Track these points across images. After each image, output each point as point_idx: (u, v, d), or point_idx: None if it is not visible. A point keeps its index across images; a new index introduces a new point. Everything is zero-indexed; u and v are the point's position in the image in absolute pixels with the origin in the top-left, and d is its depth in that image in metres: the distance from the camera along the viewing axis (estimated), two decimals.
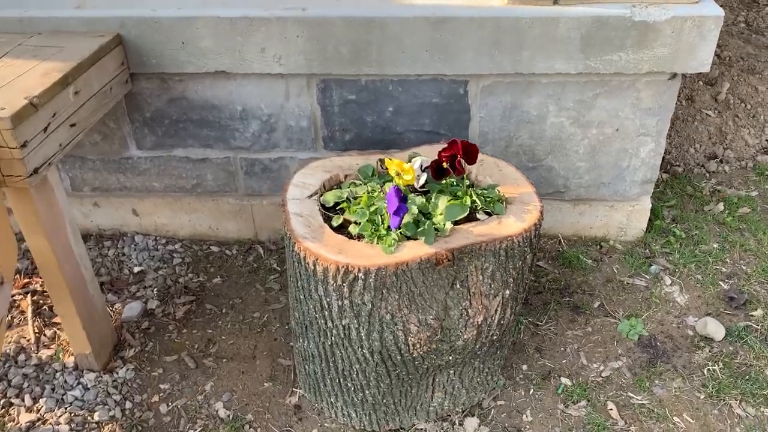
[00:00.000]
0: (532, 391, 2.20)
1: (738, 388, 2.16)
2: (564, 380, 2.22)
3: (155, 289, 2.59)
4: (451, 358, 1.91)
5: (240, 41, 2.20)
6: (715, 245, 2.67)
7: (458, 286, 1.77)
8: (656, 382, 2.21)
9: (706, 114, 3.16)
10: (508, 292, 1.84)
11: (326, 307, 1.76)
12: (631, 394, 2.17)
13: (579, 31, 2.13)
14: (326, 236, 1.76)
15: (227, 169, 2.58)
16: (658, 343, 2.33)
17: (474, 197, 1.82)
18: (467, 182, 1.90)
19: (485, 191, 1.84)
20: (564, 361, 2.28)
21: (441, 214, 1.79)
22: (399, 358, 1.84)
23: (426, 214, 1.82)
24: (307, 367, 2.04)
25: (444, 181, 1.87)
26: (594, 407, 2.13)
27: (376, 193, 1.88)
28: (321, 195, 1.95)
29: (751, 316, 2.40)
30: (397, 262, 1.66)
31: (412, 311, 1.75)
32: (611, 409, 2.13)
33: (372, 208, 1.81)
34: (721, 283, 2.53)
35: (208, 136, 2.49)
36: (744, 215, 2.81)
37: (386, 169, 1.99)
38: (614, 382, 2.21)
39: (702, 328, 2.33)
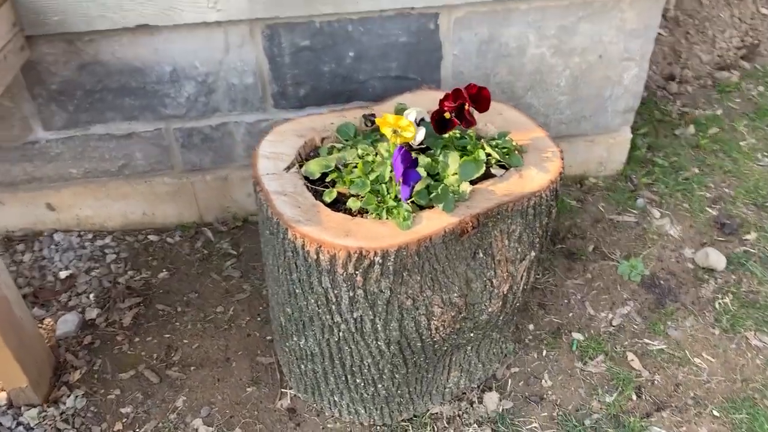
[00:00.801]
0: (545, 352, 2.01)
1: (750, 318, 2.07)
2: (576, 335, 2.04)
3: (91, 295, 2.18)
4: (473, 334, 1.68)
5: None
6: (696, 170, 2.56)
7: (481, 254, 1.51)
8: (669, 323, 2.07)
9: (659, 33, 3.01)
10: (533, 253, 1.61)
11: (333, 300, 1.46)
12: (647, 341, 2.03)
13: None
14: (324, 216, 1.44)
15: (159, 143, 2.17)
16: (661, 282, 2.19)
17: (488, 150, 1.55)
18: (472, 133, 1.62)
19: (498, 141, 1.57)
20: (570, 314, 2.11)
21: (454, 174, 1.51)
22: (419, 345, 1.58)
23: (434, 175, 1.54)
24: (303, 366, 1.74)
25: (446, 136, 1.59)
26: (614, 360, 1.97)
27: (371, 157, 1.57)
28: (301, 165, 1.61)
29: (746, 240, 2.31)
30: (418, 238, 1.38)
31: (435, 292, 1.49)
32: (632, 360, 1.98)
33: (372, 176, 1.50)
34: (708, 209, 2.42)
35: (132, 106, 2.07)
36: (715, 135, 2.71)
37: (371, 125, 1.68)
38: (627, 329, 2.06)
39: (703, 259, 2.21)
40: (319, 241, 1.38)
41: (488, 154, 1.55)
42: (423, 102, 1.80)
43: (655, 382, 1.93)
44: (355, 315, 1.48)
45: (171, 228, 2.41)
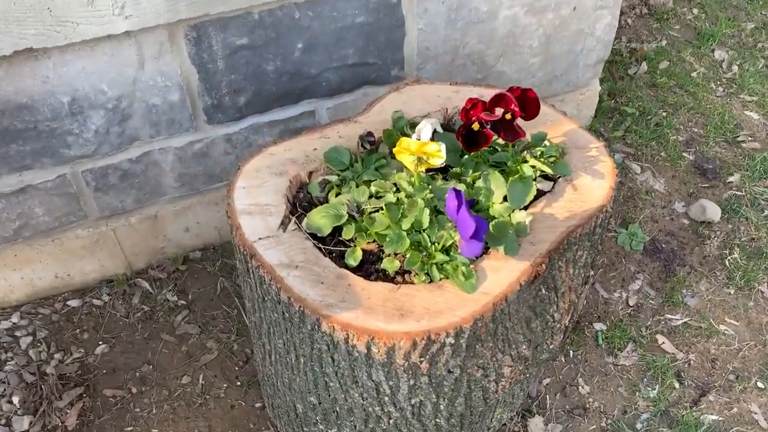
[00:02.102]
0: (572, 353, 1.80)
1: (759, 269, 1.97)
2: (597, 326, 1.85)
3: (15, 398, 1.70)
4: (528, 373, 1.42)
5: None
6: (662, 112, 2.40)
7: (544, 291, 1.24)
8: (684, 291, 1.93)
9: None
10: (592, 272, 1.36)
11: (387, 391, 1.14)
12: (669, 315, 1.88)
13: None
14: (360, 291, 1.09)
15: (65, 192, 1.67)
16: (663, 246, 2.04)
17: (532, 162, 1.24)
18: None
19: (542, 149, 1.27)
20: (585, 302, 1.91)
21: (501, 202, 1.20)
22: (481, 409, 1.30)
23: (472, 203, 1.22)
24: None
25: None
26: (643, 347, 1.81)
27: (391, 195, 1.22)
28: (297, 215, 1.23)
29: (730, 183, 2.20)
30: (493, 301, 1.07)
31: (506, 351, 1.20)
32: (663, 343, 1.82)
33: (405, 223, 1.16)
34: (685, 154, 2.28)
35: (21, 153, 1.55)
36: (667, 70, 2.56)
37: (370, 147, 1.32)
38: (645, 307, 1.90)
39: (699, 214, 2.08)
40: (370, 332, 1.04)
41: (534, 168, 1.25)
42: (416, 103, 1.46)
43: (691, 362, 1.79)
44: (413, 401, 1.17)
45: (94, 286, 1.93)
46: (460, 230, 1.03)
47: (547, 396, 1.72)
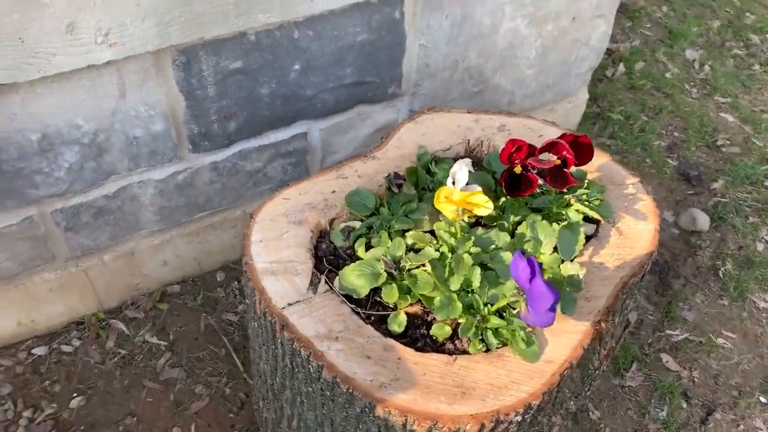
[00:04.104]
0: None
1: (750, 279, 1.99)
2: None
3: None
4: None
5: (19, 21, 1.09)
6: (644, 117, 2.37)
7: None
8: (681, 305, 1.92)
9: None
10: (633, 314, 1.30)
11: None
12: (669, 331, 1.87)
13: None
14: (415, 368, 0.99)
15: (32, 234, 1.47)
16: (656, 257, 2.02)
17: (576, 206, 1.16)
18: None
19: (586, 191, 1.19)
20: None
21: (551, 253, 1.12)
22: None
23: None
24: None
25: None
26: (648, 366, 1.79)
27: (431, 248, 1.11)
28: (328, 274, 1.11)
29: (714, 189, 2.20)
30: (559, 372, 0.99)
31: (557, 413, 1.13)
32: (667, 362, 1.80)
33: (452, 283, 1.05)
34: (669, 160, 2.27)
35: None
36: (643, 71, 2.54)
37: (397, 190, 1.21)
38: (646, 323, 1.87)
39: (690, 224, 2.07)
40: (432, 416, 0.93)
41: (579, 213, 1.16)
42: (436, 134, 1.34)
43: (695, 379, 1.78)
44: None
45: (62, 331, 1.74)
46: (533, 302, 0.93)
47: None
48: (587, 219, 1.21)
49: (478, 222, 1.21)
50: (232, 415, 1.63)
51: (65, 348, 1.71)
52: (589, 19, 1.84)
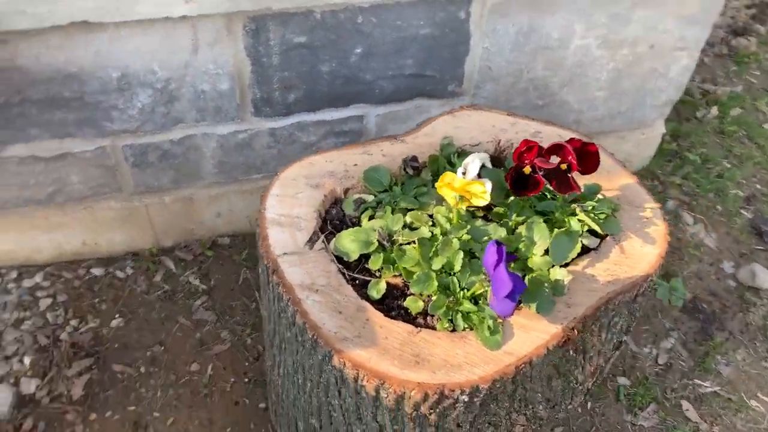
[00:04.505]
0: (589, 405, 1.73)
1: None
2: (621, 380, 1.77)
3: (26, 358, 1.71)
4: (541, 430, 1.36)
5: None
6: (726, 163, 2.28)
7: (571, 352, 1.17)
8: (719, 358, 1.83)
9: None
10: (626, 337, 1.28)
11: None
12: (699, 381, 1.79)
13: None
14: (379, 329, 1.05)
15: (103, 163, 1.66)
16: (704, 305, 1.94)
17: (581, 216, 1.17)
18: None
19: (594, 204, 1.20)
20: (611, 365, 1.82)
21: (542, 255, 1.14)
22: None
23: (509, 253, 1.16)
24: None
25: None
26: (666, 410, 1.73)
27: (426, 229, 1.16)
28: (325, 232, 1.19)
29: None
30: (515, 364, 1.01)
31: (521, 411, 1.14)
32: (687, 410, 1.73)
33: (435, 262, 1.10)
34: (743, 211, 2.16)
35: (65, 121, 1.54)
36: (738, 118, 2.43)
37: (413, 172, 1.27)
38: (675, 368, 1.81)
39: (749, 279, 1.97)
40: (380, 376, 0.99)
41: (582, 223, 1.17)
42: (469, 130, 1.39)
43: None
44: None
45: (120, 258, 1.93)
46: (494, 287, 0.97)
47: None
48: (594, 233, 1.21)
49: (485, 217, 1.24)
50: (247, 363, 1.74)
51: (119, 273, 1.90)
52: (670, 50, 1.81)
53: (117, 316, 1.81)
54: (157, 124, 1.61)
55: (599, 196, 1.22)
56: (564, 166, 1.10)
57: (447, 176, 1.12)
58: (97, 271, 1.90)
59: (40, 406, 1.63)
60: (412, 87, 1.69)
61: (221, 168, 1.76)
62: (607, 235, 1.20)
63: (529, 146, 1.13)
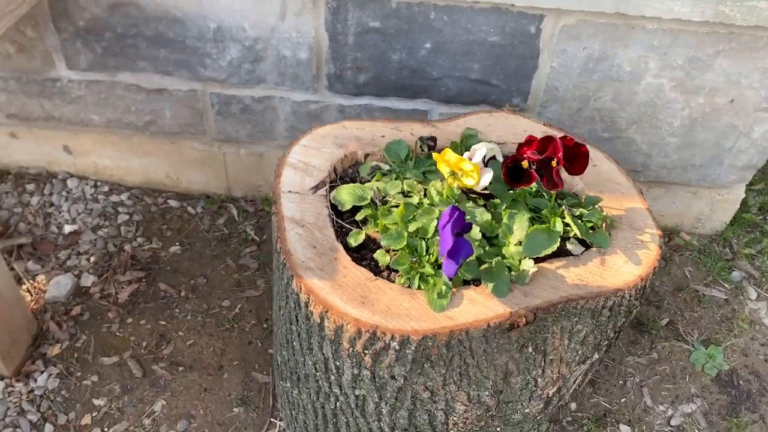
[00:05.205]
0: None
1: None
2: (623, 428, 1.71)
3: (92, 258, 1.96)
4: (499, 429, 1.37)
5: None
6: None
7: (530, 349, 1.19)
8: None
9: None
10: (597, 356, 1.27)
11: (333, 370, 1.17)
12: None
13: None
14: (341, 268, 1.14)
15: (193, 105, 1.89)
16: (741, 382, 1.82)
17: (568, 220, 1.20)
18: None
19: (584, 211, 1.22)
20: (623, 399, 1.77)
21: (517, 244, 1.17)
22: None
23: (491, 238, 1.21)
24: (293, 411, 1.48)
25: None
26: None
27: (416, 197, 1.24)
28: (333, 186, 1.30)
29: None
30: (451, 328, 1.06)
31: (462, 387, 1.18)
32: None
33: (412, 226, 1.18)
34: None
35: (167, 59, 1.78)
36: None
37: (428, 150, 1.35)
38: None
39: None
40: (326, 305, 1.08)
41: (566, 226, 1.20)
42: (499, 129, 1.45)
43: None
44: (357, 392, 1.19)
45: (195, 196, 2.16)
46: (440, 244, 1.03)
47: None
48: (583, 243, 1.23)
49: (485, 206, 1.29)
50: (270, 312, 1.88)
51: (190, 209, 2.13)
52: (753, 109, 1.75)
53: (177, 244, 2.03)
54: (242, 79, 1.81)
55: (596, 207, 1.23)
56: (554, 163, 1.14)
57: (447, 152, 1.20)
58: (173, 203, 2.14)
59: (90, 299, 1.87)
60: (477, 92, 1.77)
61: (292, 132, 1.93)
62: (593, 246, 1.22)
63: (530, 140, 1.18)
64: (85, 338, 1.79)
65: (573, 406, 1.75)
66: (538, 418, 1.37)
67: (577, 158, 1.15)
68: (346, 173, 1.37)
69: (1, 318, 1.61)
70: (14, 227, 2.01)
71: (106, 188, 2.14)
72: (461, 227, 1.06)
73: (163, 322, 1.84)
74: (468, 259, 1.13)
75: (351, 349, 1.10)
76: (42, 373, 1.71)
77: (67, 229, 2.01)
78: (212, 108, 1.89)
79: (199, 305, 1.89)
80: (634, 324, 1.92)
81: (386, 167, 1.36)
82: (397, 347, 1.07)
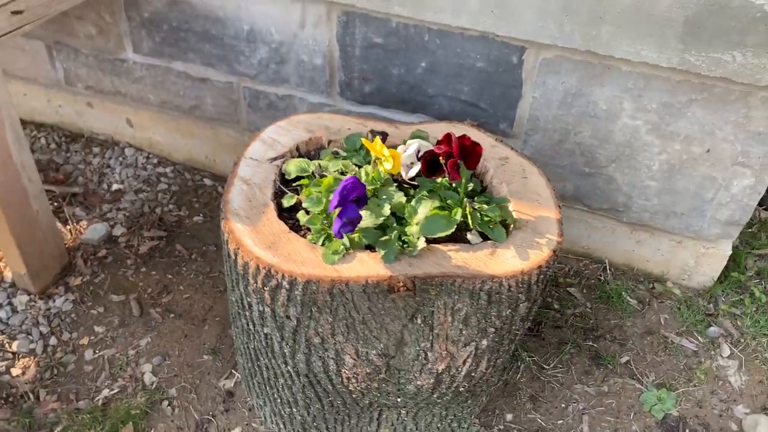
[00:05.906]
0: None
1: None
2: None
3: (128, 214, 2.29)
4: (399, 400, 1.51)
5: None
6: None
7: (419, 321, 1.34)
8: None
9: None
10: (485, 342, 1.39)
11: (246, 307, 1.38)
12: None
13: (684, 11, 1.55)
14: (264, 220, 1.35)
15: (229, 96, 2.19)
16: (687, 430, 1.82)
17: (467, 212, 1.35)
18: (470, 187, 1.43)
19: (487, 207, 1.36)
20: (560, 422, 1.82)
21: (417, 224, 1.34)
22: (330, 387, 1.45)
23: (400, 218, 1.38)
24: (240, 356, 1.69)
25: (439, 180, 1.41)
26: None
27: (349, 174, 1.44)
28: (285, 161, 1.53)
29: None
30: (333, 278, 1.24)
31: (349, 340, 1.34)
32: None
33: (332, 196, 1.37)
34: None
35: (210, 53, 2.10)
36: None
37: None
38: None
39: (751, 426, 1.80)
40: (239, 243, 1.30)
41: (464, 216, 1.35)
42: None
43: None
44: (265, 330, 1.39)
45: (226, 177, 2.45)
46: (331, 201, 1.22)
47: None
48: (484, 237, 1.37)
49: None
50: None
51: (219, 189, 2.42)
52: (731, 162, 1.80)
53: (200, 215, 2.33)
54: (269, 77, 2.09)
55: (499, 206, 1.37)
56: (449, 159, 1.30)
57: (377, 142, 1.39)
58: (207, 181, 2.45)
59: (117, 246, 2.19)
60: (467, 113, 1.95)
61: None
62: (489, 238, 1.35)
63: (448, 137, 1.35)
64: (103, 276, 2.10)
65: (509, 416, 1.83)
66: (434, 397, 1.49)
67: (471, 155, 1.30)
68: (308, 154, 1.60)
69: (37, 245, 1.95)
70: (74, 179, 2.39)
71: (155, 160, 2.49)
72: (357, 196, 1.25)
73: (170, 276, 2.13)
74: (367, 227, 1.31)
75: (255, 284, 1.30)
76: (61, 297, 2.03)
77: (115, 187, 2.37)
78: (244, 100, 2.18)
79: (204, 268, 2.16)
80: (592, 356, 1.97)
81: (343, 154, 1.57)
82: (287, 286, 1.26)
